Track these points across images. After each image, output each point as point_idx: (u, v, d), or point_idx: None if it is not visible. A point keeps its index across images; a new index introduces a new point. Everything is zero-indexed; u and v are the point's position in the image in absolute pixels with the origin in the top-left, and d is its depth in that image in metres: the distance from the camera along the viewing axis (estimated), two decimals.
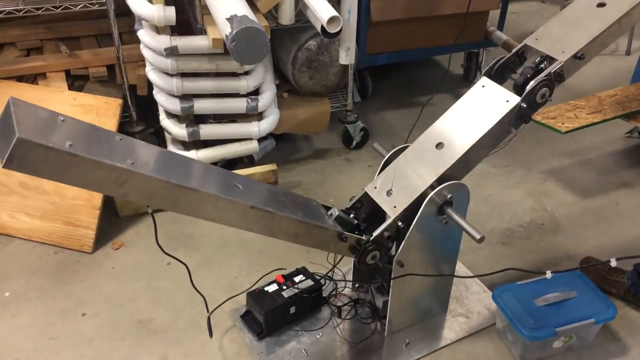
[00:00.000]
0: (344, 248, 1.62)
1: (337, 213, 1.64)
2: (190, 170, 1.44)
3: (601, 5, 1.70)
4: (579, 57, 1.63)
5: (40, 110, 1.25)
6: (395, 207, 1.62)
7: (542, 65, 1.69)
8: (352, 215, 1.69)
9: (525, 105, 1.62)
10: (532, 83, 1.60)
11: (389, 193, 1.66)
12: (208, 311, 1.72)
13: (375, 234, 1.62)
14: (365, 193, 1.71)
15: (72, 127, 1.26)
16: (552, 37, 1.70)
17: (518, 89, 1.65)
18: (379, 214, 1.67)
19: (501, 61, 1.74)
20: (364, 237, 1.62)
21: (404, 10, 2.92)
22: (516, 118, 1.65)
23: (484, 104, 1.67)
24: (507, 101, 1.63)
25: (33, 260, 2.15)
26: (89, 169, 1.21)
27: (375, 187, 1.70)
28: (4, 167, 1.12)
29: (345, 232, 1.59)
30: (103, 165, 1.21)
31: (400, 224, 1.61)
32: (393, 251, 1.71)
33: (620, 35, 1.79)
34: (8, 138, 1.11)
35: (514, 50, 1.75)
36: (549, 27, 1.75)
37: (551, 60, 1.66)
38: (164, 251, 1.55)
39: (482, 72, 1.75)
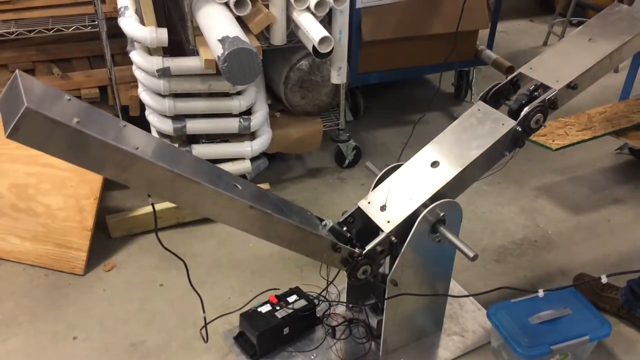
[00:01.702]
0: (337, 260, 1.62)
1: (331, 224, 1.64)
2: (192, 164, 1.43)
3: (593, 40, 1.79)
4: (572, 87, 1.71)
5: (47, 87, 1.23)
6: (388, 221, 1.62)
7: (536, 93, 1.75)
8: (344, 229, 1.69)
9: (520, 129, 1.67)
10: (526, 109, 1.66)
11: (382, 208, 1.66)
12: (204, 312, 1.71)
13: (368, 247, 1.61)
14: (358, 208, 1.71)
15: (79, 107, 1.25)
16: (547, 67, 1.78)
17: (513, 114, 1.70)
18: (371, 231, 1.66)
19: (496, 87, 1.79)
20: (357, 250, 1.62)
21: (395, 30, 2.95)
22: (510, 142, 1.69)
23: (481, 126, 1.71)
24: (503, 124, 1.68)
25: (23, 283, 2.12)
26: (94, 149, 1.19)
27: (369, 202, 1.70)
28: (8, 136, 1.10)
29: (339, 244, 1.59)
30: (108, 146, 1.20)
31: (393, 239, 1.61)
32: (386, 270, 1.71)
33: (611, 69, 1.88)
34: (15, 108, 1.09)
35: (508, 78, 1.82)
36: (543, 58, 1.83)
37: (545, 88, 1.72)
38: (163, 246, 1.56)
39: (478, 97, 1.80)
